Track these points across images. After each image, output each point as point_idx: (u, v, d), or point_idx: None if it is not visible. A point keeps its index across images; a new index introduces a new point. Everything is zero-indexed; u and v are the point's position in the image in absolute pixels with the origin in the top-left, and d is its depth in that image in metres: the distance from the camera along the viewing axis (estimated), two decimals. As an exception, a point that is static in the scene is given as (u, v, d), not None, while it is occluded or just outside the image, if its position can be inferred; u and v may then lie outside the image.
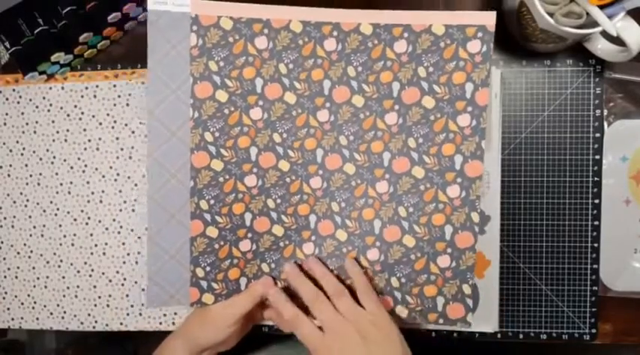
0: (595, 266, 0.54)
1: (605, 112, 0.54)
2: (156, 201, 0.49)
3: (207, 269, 0.49)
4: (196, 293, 0.49)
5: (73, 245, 0.59)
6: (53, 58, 0.54)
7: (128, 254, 0.58)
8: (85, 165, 0.58)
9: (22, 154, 0.59)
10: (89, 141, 0.58)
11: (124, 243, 0.58)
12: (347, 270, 0.48)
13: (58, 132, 0.58)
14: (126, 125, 0.58)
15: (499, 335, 0.55)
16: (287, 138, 0.48)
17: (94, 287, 0.59)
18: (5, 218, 0.60)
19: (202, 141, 0.48)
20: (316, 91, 0.47)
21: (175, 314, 0.58)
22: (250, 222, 0.49)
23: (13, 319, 0.60)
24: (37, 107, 0.58)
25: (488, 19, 0.46)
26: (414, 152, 0.47)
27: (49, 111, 0.58)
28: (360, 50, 0.47)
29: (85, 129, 0.58)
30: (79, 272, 0.59)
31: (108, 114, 0.58)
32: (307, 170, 0.48)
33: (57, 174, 0.59)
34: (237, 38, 0.47)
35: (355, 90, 0.47)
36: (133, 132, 0.57)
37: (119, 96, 0.57)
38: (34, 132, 0.59)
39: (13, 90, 0.59)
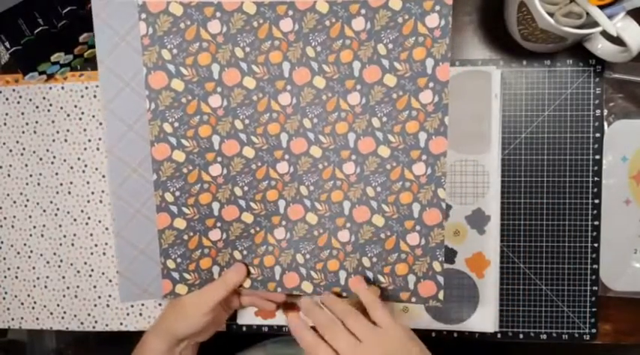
0: (595, 266, 0.54)
1: (605, 112, 0.54)
2: (119, 197, 0.48)
3: (178, 260, 0.49)
4: (169, 285, 0.49)
5: (73, 245, 0.59)
6: (53, 58, 0.54)
7: (128, 254, 0.58)
8: (85, 165, 0.58)
9: (22, 154, 0.59)
10: (89, 141, 0.58)
11: (124, 243, 0.58)
12: (352, 289, 0.48)
13: (58, 132, 0.58)
14: (126, 125, 0.57)
15: (499, 335, 0.55)
16: (249, 125, 0.47)
17: (94, 287, 0.59)
18: (5, 218, 0.60)
19: (162, 133, 0.47)
20: (276, 74, 0.47)
21: (175, 314, 0.58)
22: (218, 211, 0.49)
23: (13, 319, 0.60)
24: (37, 107, 0.58)
25: None
26: (378, 131, 0.47)
27: (49, 111, 0.58)
28: (318, 29, 0.46)
29: (85, 129, 0.58)
30: (79, 272, 0.59)
31: (108, 114, 0.58)
32: (273, 155, 0.48)
33: (57, 174, 0.59)
34: (189, 24, 0.45)
35: (316, 72, 0.47)
36: (133, 132, 0.57)
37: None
38: (34, 132, 0.59)
39: (13, 90, 0.59)
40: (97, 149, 0.58)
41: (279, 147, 0.48)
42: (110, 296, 0.59)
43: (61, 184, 0.59)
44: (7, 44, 0.53)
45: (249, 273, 0.50)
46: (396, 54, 0.46)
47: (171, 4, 0.45)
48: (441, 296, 0.48)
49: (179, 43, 0.46)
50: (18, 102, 0.59)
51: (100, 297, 0.59)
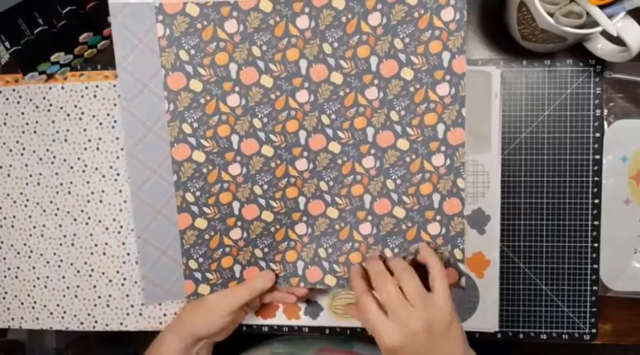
0: (595, 266, 0.54)
1: (605, 112, 0.54)
2: (140, 198, 0.48)
3: (200, 260, 0.49)
4: (191, 286, 0.49)
5: (73, 245, 0.59)
6: (53, 58, 0.54)
7: (128, 254, 0.58)
8: (85, 165, 0.58)
9: (22, 154, 0.59)
10: (89, 141, 0.58)
11: (123, 243, 0.58)
12: (421, 252, 0.48)
13: (58, 132, 0.58)
14: (126, 125, 0.58)
15: (499, 335, 0.55)
16: (268, 123, 0.47)
17: (94, 287, 0.59)
18: (5, 218, 0.60)
19: (181, 134, 0.47)
20: (293, 72, 0.47)
21: (175, 313, 0.58)
22: (239, 210, 0.49)
23: (13, 319, 0.60)
24: (37, 107, 0.58)
25: None
26: (397, 125, 0.48)
27: (49, 111, 0.58)
28: (335, 25, 0.46)
29: (85, 129, 0.58)
30: (79, 272, 0.59)
31: (108, 114, 0.58)
32: (292, 153, 0.48)
33: (57, 174, 0.59)
34: (206, 24, 0.45)
35: (333, 68, 0.47)
36: (133, 132, 0.57)
37: (119, 96, 0.57)
38: (34, 132, 0.59)
39: (13, 90, 0.59)
40: (97, 149, 0.58)
41: (298, 145, 0.48)
42: (110, 296, 0.59)
43: (61, 184, 0.59)
44: (7, 44, 0.53)
45: (276, 281, 0.51)
46: (413, 48, 0.46)
47: (188, 4, 0.45)
48: (462, 283, 0.49)
49: (196, 43, 0.46)
50: (18, 102, 0.59)
51: (100, 297, 0.59)
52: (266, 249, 0.50)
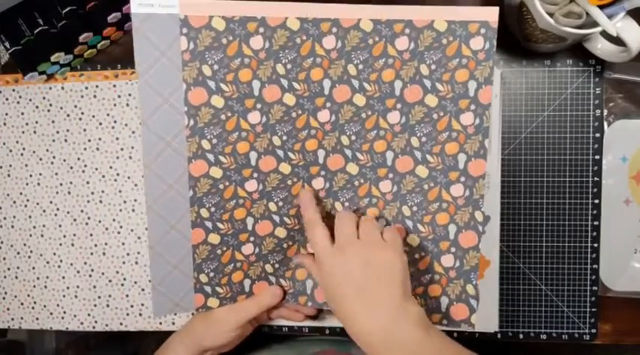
0: (595, 266, 0.54)
1: (605, 112, 0.54)
2: (155, 212, 0.47)
3: (211, 274, 0.49)
4: (201, 299, 0.49)
5: (73, 245, 0.59)
6: (53, 58, 0.54)
7: (128, 254, 0.58)
8: (85, 165, 0.58)
9: (22, 154, 0.59)
10: (89, 141, 0.58)
11: (123, 243, 0.58)
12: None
13: (58, 132, 0.58)
14: (126, 125, 0.57)
15: (499, 335, 0.55)
16: (287, 141, 0.47)
17: (94, 287, 0.59)
18: (5, 218, 0.60)
19: (200, 150, 0.46)
20: (316, 91, 0.46)
21: (175, 314, 0.58)
22: (252, 226, 0.48)
23: (13, 319, 0.60)
24: (37, 107, 0.58)
25: (491, 14, 0.45)
26: (417, 151, 0.47)
27: (49, 111, 0.58)
28: (361, 47, 0.45)
29: (85, 129, 0.58)
30: (78, 272, 0.59)
31: (108, 114, 0.58)
32: (309, 171, 0.48)
33: (57, 174, 0.59)
34: (231, 39, 0.44)
35: (356, 89, 0.46)
36: (133, 132, 0.57)
37: (119, 97, 0.57)
38: (34, 132, 0.59)
39: (13, 90, 0.59)
40: (97, 149, 0.58)
41: (316, 164, 0.48)
42: (110, 296, 0.59)
43: (61, 184, 0.59)
44: (7, 44, 0.53)
45: (284, 297, 0.50)
46: (439, 75, 0.45)
47: (214, 18, 0.44)
48: (473, 320, 0.48)
49: (220, 58, 0.45)
50: (18, 102, 0.59)
51: (99, 297, 0.59)
52: (277, 265, 0.50)
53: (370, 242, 0.44)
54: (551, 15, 0.46)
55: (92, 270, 0.59)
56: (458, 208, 0.47)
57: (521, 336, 0.55)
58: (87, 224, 0.59)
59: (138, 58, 0.44)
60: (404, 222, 0.48)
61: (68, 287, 0.59)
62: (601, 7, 0.45)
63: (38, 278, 0.60)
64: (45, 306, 0.60)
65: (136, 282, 0.58)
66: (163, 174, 0.47)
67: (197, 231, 0.48)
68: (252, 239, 0.49)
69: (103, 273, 0.59)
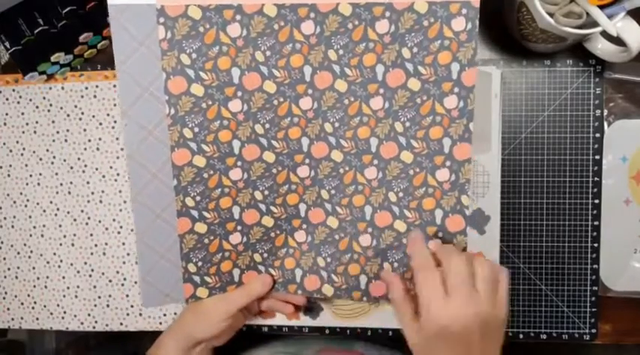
0: (595, 266, 0.54)
1: (605, 112, 0.54)
2: (140, 202, 0.47)
3: (199, 264, 0.49)
4: (190, 289, 0.49)
5: (73, 245, 0.59)
6: (53, 58, 0.54)
7: (128, 254, 0.58)
8: (85, 165, 0.58)
9: (22, 154, 0.59)
10: (89, 141, 0.58)
11: (124, 243, 0.58)
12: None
13: (58, 132, 0.58)
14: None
15: (499, 335, 0.55)
16: (270, 129, 0.47)
17: (94, 287, 0.59)
18: (5, 218, 0.60)
19: (182, 138, 0.46)
20: (297, 78, 0.46)
21: (175, 313, 0.58)
22: (239, 215, 0.49)
23: (13, 319, 0.60)
24: (37, 107, 0.58)
25: None
26: (401, 136, 0.47)
27: (49, 111, 0.58)
28: (340, 32, 0.45)
29: (85, 129, 0.58)
30: (78, 272, 0.59)
31: (108, 114, 0.58)
32: (293, 160, 0.48)
33: (57, 174, 0.59)
34: (208, 27, 0.44)
35: (338, 75, 0.46)
36: (133, 132, 0.57)
37: (119, 99, 0.57)
38: (34, 132, 0.59)
39: (13, 90, 0.59)
40: (97, 149, 0.58)
41: (300, 152, 0.48)
42: (110, 296, 0.59)
43: (61, 184, 0.59)
44: (7, 44, 0.53)
45: (273, 286, 0.50)
46: (421, 58, 0.45)
47: (190, 7, 0.44)
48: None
49: (198, 47, 0.45)
50: (18, 102, 0.59)
51: (99, 297, 0.59)
52: (265, 254, 0.50)
53: (489, 293, 0.41)
54: (551, 15, 0.46)
55: (92, 270, 0.59)
56: (444, 193, 0.47)
57: (521, 336, 0.55)
58: (87, 224, 0.59)
59: (116, 49, 0.45)
60: (390, 208, 0.48)
61: (68, 287, 0.59)
62: (601, 7, 0.45)
63: (38, 278, 0.60)
64: (45, 306, 0.60)
65: (136, 282, 0.58)
66: (147, 163, 0.47)
67: (183, 220, 0.48)
68: (239, 228, 0.49)
69: (103, 273, 0.59)
